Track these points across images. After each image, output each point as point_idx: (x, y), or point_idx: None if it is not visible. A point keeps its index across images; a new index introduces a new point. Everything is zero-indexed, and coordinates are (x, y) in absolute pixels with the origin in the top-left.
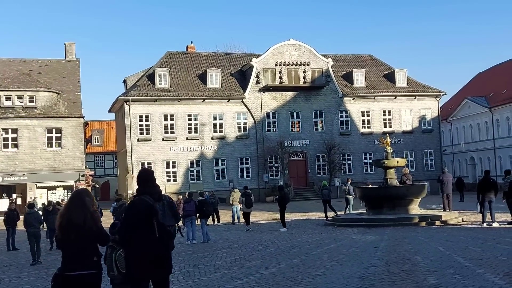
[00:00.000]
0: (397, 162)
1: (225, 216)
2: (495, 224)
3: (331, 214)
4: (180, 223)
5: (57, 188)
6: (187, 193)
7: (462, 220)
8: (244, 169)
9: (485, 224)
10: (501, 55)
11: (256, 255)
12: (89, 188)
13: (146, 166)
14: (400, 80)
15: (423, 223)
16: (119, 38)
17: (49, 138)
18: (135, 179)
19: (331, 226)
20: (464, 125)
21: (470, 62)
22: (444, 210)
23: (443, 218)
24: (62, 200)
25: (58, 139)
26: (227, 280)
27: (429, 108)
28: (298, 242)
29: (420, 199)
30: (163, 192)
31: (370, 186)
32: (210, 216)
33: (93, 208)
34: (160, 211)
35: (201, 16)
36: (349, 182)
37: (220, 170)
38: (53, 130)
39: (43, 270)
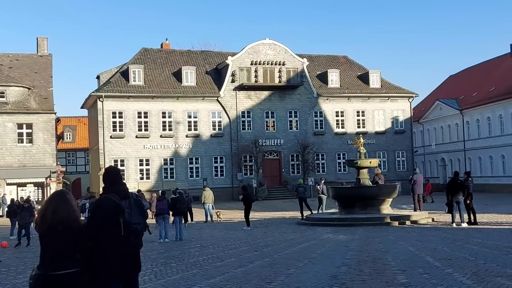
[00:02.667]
0: (370, 163)
1: (197, 215)
2: (464, 225)
3: (306, 213)
4: (152, 220)
5: (27, 185)
6: (160, 191)
7: (433, 220)
8: (218, 167)
9: (454, 225)
10: (472, 58)
11: (228, 253)
12: (60, 185)
13: (119, 163)
14: (374, 81)
15: (394, 223)
16: (93, 34)
17: (20, 134)
18: None
19: (303, 225)
20: (435, 126)
21: (442, 65)
22: (415, 210)
23: (414, 218)
24: (28, 197)
25: (29, 135)
26: (200, 278)
27: (402, 109)
28: (270, 241)
29: (391, 199)
30: (135, 190)
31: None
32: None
33: (75, 204)
34: (127, 209)
35: (177, 14)
36: (323, 182)
37: (194, 168)
38: (24, 125)
39: (12, 267)
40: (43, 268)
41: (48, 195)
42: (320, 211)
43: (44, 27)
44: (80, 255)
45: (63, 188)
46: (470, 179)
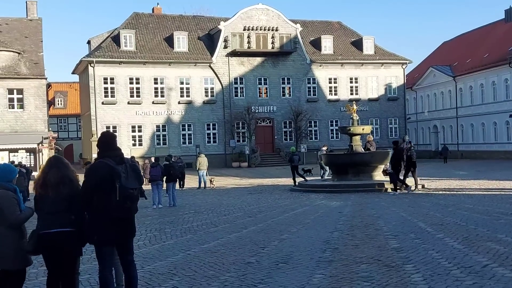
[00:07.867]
0: (363, 129)
1: (191, 181)
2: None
3: (299, 180)
4: (148, 186)
5: (19, 151)
6: (153, 158)
7: (423, 187)
8: (211, 134)
9: (401, 190)
10: (466, 24)
11: (222, 219)
12: (52, 151)
13: (111, 129)
14: (368, 47)
15: (386, 189)
16: None
17: (11, 100)
18: None
19: (297, 191)
20: (428, 93)
21: (436, 31)
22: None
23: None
24: (20, 162)
25: (20, 100)
26: (194, 243)
27: (395, 76)
28: (264, 207)
29: (383, 165)
30: (128, 156)
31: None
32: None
33: (72, 169)
34: (123, 174)
35: None
36: (325, 149)
37: (186, 135)
38: (15, 91)
39: None
40: (36, 229)
41: (41, 161)
42: (324, 177)
43: None
44: (75, 217)
45: (56, 154)
46: (412, 147)
